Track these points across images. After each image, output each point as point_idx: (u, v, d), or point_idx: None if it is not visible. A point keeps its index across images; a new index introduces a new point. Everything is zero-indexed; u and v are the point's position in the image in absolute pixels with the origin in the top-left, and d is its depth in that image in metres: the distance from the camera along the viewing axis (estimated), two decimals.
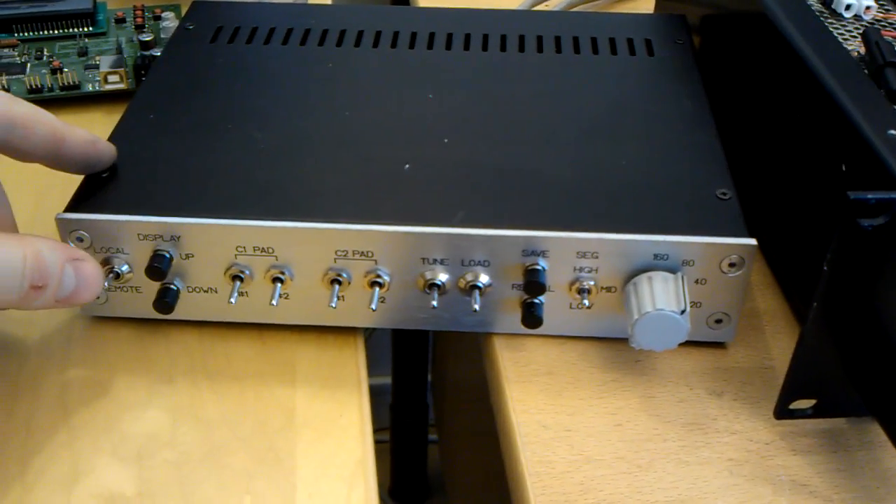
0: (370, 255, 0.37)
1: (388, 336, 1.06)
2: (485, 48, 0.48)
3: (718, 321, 0.38)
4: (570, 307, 0.38)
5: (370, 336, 1.14)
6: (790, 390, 0.35)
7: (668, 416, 0.36)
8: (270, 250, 0.37)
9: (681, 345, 0.36)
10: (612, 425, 0.36)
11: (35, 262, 0.33)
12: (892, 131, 0.35)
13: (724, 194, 0.38)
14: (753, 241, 0.36)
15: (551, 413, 0.36)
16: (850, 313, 0.33)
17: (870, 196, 0.30)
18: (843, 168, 0.36)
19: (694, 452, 0.35)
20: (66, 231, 0.37)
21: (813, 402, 0.35)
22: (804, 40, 0.40)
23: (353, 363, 0.38)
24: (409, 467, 1.14)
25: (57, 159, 0.37)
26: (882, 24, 0.43)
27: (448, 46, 0.48)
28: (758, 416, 0.36)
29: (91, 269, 0.35)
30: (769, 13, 0.43)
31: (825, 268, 0.31)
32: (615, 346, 0.39)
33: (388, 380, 1.07)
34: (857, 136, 0.35)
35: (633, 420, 0.36)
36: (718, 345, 0.39)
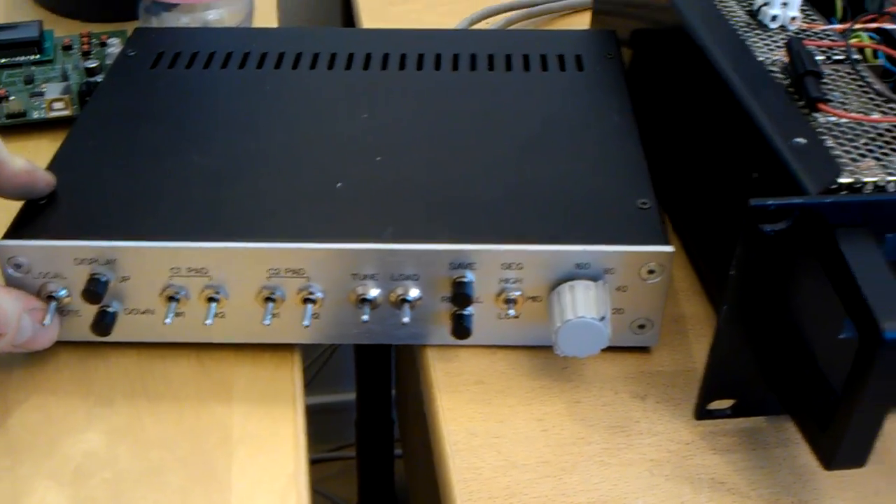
0: (302, 272, 0.38)
1: (352, 353, 1.07)
2: (419, 67, 0.49)
3: (641, 326, 0.39)
4: (499, 317, 0.39)
5: (333, 353, 1.14)
6: (708, 391, 0.36)
7: (593, 420, 0.37)
8: (204, 271, 0.38)
9: (606, 350, 0.37)
10: (539, 431, 0.37)
11: None
12: (798, 139, 0.36)
13: (644, 204, 0.39)
14: (671, 248, 0.37)
15: (480, 421, 0.37)
16: (762, 316, 0.34)
17: (770, 202, 0.32)
18: (755, 176, 0.37)
19: (616, 454, 0.36)
20: (4, 258, 0.38)
21: (731, 402, 0.36)
22: (719, 52, 0.42)
23: (288, 380, 0.39)
24: (375, 483, 1.14)
25: None
26: (807, 33, 0.45)
27: (384, 67, 0.49)
28: (679, 417, 0.37)
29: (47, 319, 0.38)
30: (686, 26, 0.44)
31: (731, 272, 0.33)
32: (544, 354, 0.40)
33: (352, 396, 1.08)
34: (764, 145, 0.36)
35: (559, 425, 0.37)
36: (643, 349, 0.40)
